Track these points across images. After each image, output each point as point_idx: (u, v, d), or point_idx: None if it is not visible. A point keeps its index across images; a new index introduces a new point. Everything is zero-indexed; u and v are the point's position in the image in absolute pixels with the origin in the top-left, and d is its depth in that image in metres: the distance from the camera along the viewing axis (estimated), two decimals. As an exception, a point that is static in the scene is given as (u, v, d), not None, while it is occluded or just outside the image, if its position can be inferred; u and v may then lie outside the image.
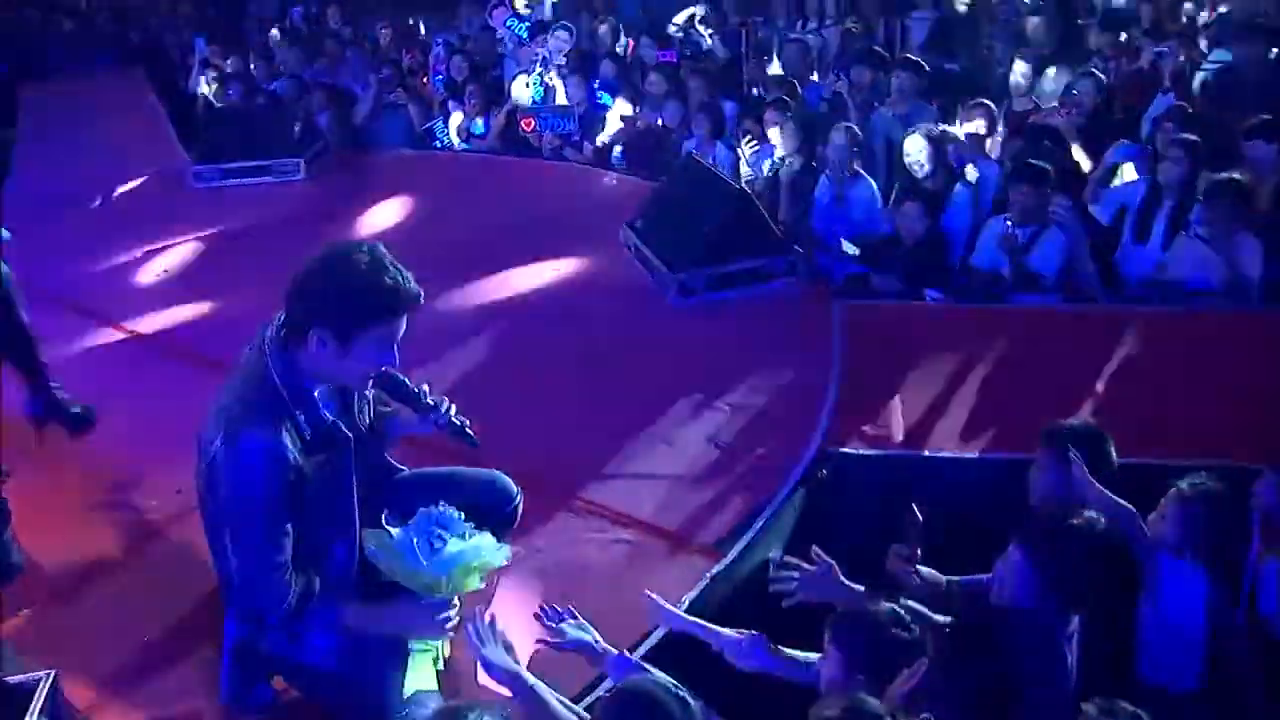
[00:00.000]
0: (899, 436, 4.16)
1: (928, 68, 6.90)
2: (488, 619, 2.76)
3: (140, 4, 13.48)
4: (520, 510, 3.23)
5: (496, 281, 5.76)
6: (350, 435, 2.83)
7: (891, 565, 3.19)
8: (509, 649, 2.75)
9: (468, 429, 3.06)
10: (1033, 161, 5.55)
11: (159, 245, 6.59)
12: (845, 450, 4.08)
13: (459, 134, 8.37)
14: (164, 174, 8.02)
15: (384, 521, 2.91)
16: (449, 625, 2.87)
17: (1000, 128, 6.58)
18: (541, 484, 3.99)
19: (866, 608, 2.73)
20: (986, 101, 6.39)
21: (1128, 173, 6.00)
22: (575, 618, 2.96)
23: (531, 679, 2.62)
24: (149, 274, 6.28)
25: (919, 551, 3.19)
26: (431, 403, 3.03)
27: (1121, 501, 3.15)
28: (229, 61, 9.55)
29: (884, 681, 2.68)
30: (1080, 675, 2.89)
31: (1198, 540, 3.13)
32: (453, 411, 3.05)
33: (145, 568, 3.77)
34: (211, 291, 5.83)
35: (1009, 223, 5.38)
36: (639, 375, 4.73)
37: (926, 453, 4.08)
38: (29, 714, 2.33)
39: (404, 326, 2.72)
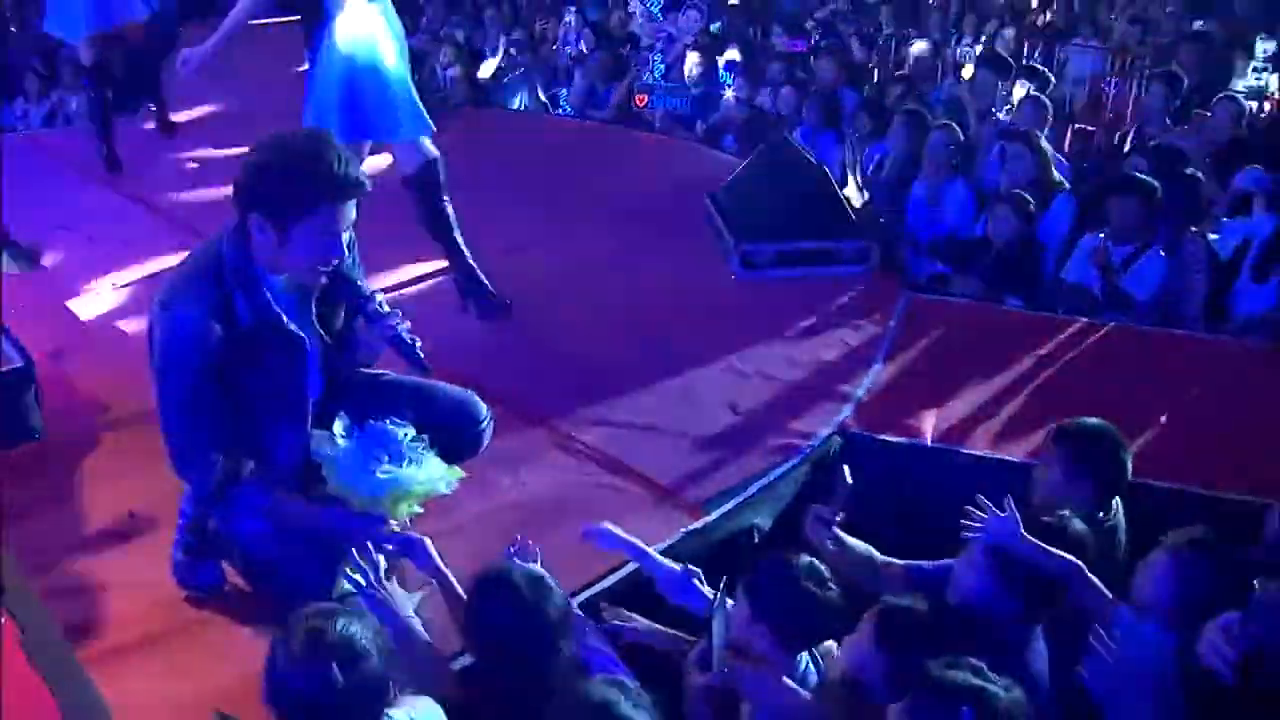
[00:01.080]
0: (929, 431, 3.94)
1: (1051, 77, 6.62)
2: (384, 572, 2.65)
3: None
4: (487, 435, 3.12)
5: (566, 234, 5.71)
6: (301, 335, 2.77)
7: (809, 528, 2.98)
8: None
9: (417, 348, 2.89)
10: (1139, 175, 5.24)
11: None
12: (859, 432, 3.89)
13: (577, 103, 8.36)
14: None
15: (337, 426, 2.85)
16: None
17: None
18: (544, 420, 3.99)
19: (785, 558, 2.57)
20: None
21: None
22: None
23: (420, 631, 2.56)
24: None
25: (841, 515, 2.97)
26: (383, 310, 2.87)
27: (1063, 555, 2.66)
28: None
29: (788, 636, 2.54)
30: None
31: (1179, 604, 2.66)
32: (404, 327, 2.88)
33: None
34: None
35: (1101, 236, 5.09)
36: (677, 337, 4.62)
37: (939, 445, 3.85)
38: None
39: (348, 217, 2.65)
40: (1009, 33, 10.07)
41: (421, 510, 2.82)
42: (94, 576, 3.18)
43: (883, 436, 3.90)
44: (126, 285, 5.12)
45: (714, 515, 3.43)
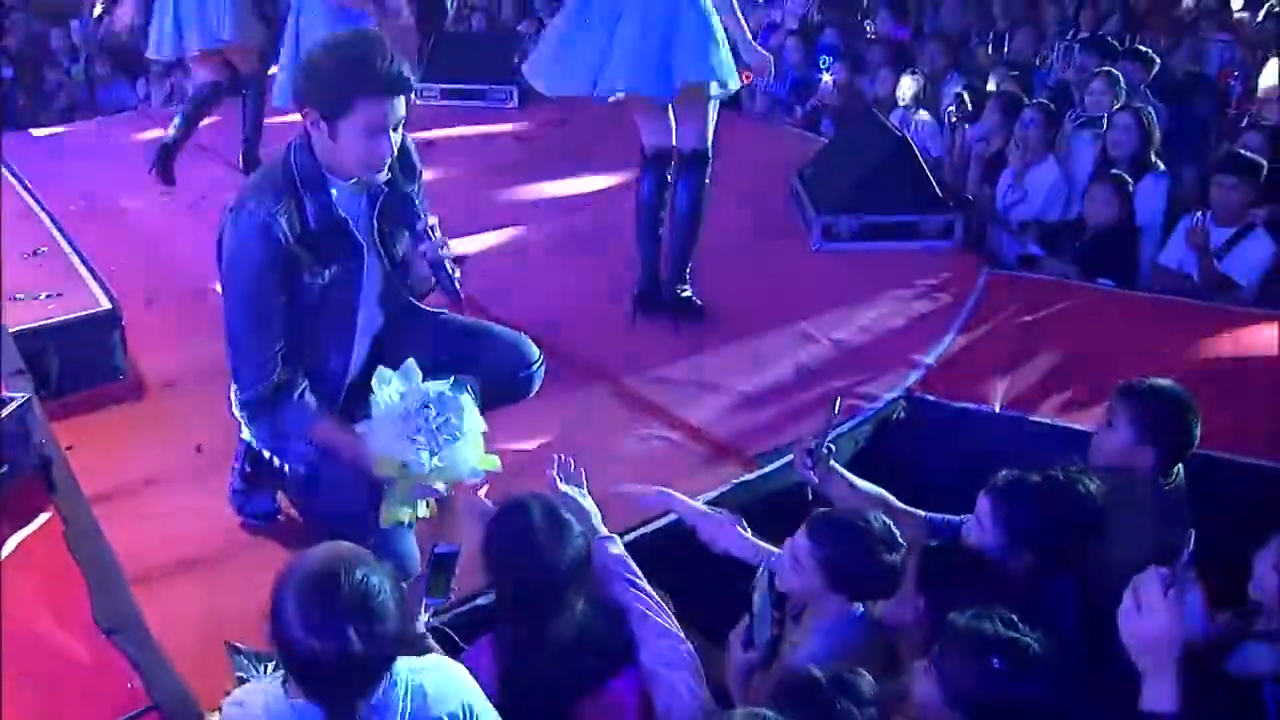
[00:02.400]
0: (998, 400, 3.84)
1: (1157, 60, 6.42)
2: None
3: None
4: (538, 378, 3.12)
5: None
6: (360, 241, 2.82)
7: (796, 459, 2.99)
8: None
9: (455, 276, 2.88)
10: (1243, 152, 5.04)
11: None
12: (922, 395, 3.83)
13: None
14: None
15: (395, 381, 2.81)
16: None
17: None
18: (605, 374, 4.05)
19: (861, 516, 2.51)
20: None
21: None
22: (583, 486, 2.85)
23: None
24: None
25: (829, 446, 2.96)
26: (433, 234, 2.86)
27: None
28: (483, -3, 9.93)
29: (844, 589, 2.47)
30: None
31: None
32: (447, 253, 2.87)
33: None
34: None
35: (1197, 217, 4.89)
36: (751, 305, 4.61)
37: (1002, 411, 3.77)
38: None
39: (395, 113, 2.68)
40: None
41: (446, 493, 2.80)
42: (156, 503, 3.31)
43: (940, 399, 3.83)
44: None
45: (766, 469, 3.40)
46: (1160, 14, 11.39)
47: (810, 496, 3.39)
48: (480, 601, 2.75)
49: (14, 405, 2.51)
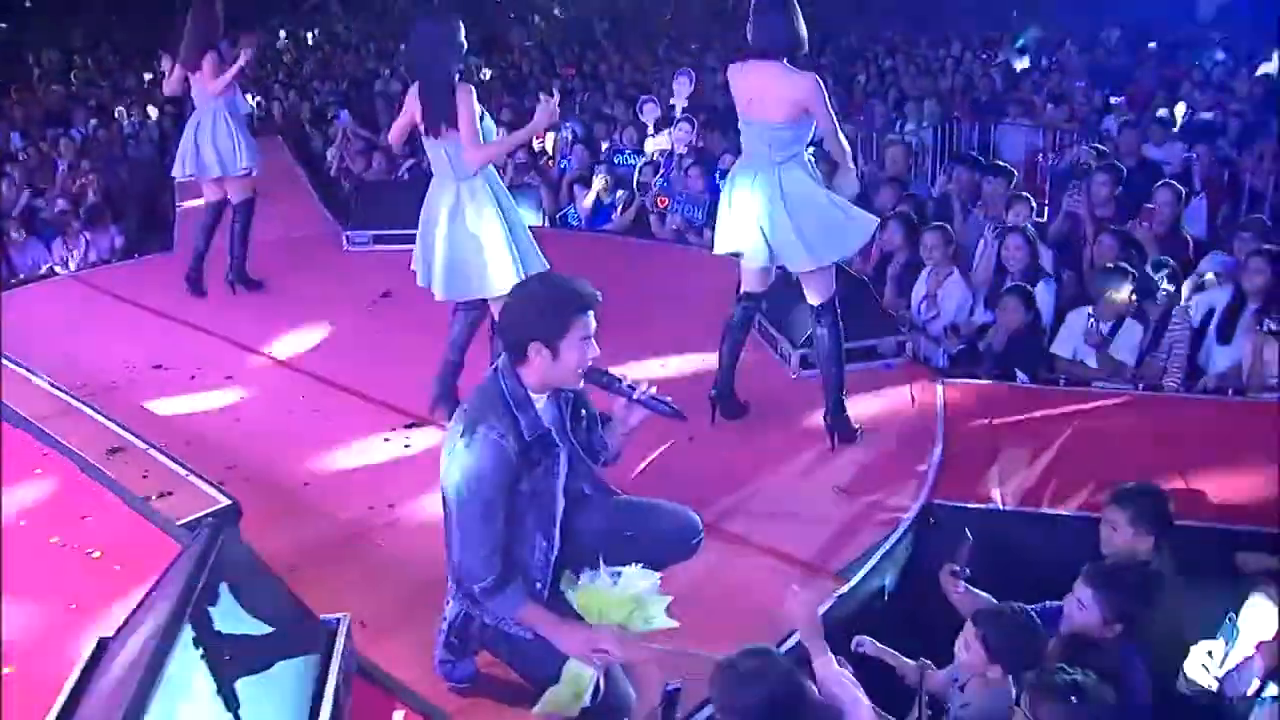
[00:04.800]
0: (995, 495, 4.74)
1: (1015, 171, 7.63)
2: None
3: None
4: (701, 544, 3.74)
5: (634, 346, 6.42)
6: (560, 445, 3.45)
7: (943, 580, 3.83)
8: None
9: (669, 402, 3.52)
10: (1124, 266, 6.18)
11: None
12: (947, 502, 4.69)
13: (585, 215, 9.10)
14: (315, 236, 9.04)
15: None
16: (593, 656, 3.34)
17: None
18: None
19: (1009, 607, 3.37)
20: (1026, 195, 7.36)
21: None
22: None
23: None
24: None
25: (966, 569, 3.81)
26: (630, 384, 3.50)
27: None
28: (380, 136, 10.49)
29: (1015, 669, 3.29)
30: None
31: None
32: (651, 390, 3.50)
33: (367, 562, 4.52)
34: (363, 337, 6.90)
35: (1091, 318, 6.01)
36: (766, 432, 5.40)
37: (1016, 508, 4.65)
38: (336, 648, 3.00)
39: (594, 323, 3.35)
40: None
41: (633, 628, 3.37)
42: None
43: (961, 504, 4.67)
44: (243, 420, 5.85)
45: (855, 580, 4.17)
46: (966, 102, 12.91)
47: (885, 599, 4.24)
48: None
49: (344, 626, 3.08)
